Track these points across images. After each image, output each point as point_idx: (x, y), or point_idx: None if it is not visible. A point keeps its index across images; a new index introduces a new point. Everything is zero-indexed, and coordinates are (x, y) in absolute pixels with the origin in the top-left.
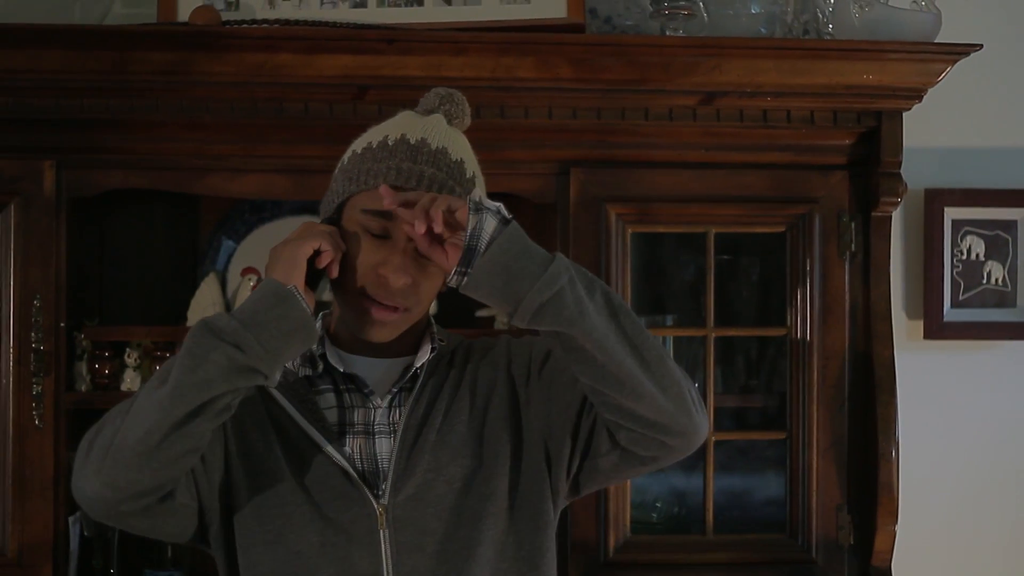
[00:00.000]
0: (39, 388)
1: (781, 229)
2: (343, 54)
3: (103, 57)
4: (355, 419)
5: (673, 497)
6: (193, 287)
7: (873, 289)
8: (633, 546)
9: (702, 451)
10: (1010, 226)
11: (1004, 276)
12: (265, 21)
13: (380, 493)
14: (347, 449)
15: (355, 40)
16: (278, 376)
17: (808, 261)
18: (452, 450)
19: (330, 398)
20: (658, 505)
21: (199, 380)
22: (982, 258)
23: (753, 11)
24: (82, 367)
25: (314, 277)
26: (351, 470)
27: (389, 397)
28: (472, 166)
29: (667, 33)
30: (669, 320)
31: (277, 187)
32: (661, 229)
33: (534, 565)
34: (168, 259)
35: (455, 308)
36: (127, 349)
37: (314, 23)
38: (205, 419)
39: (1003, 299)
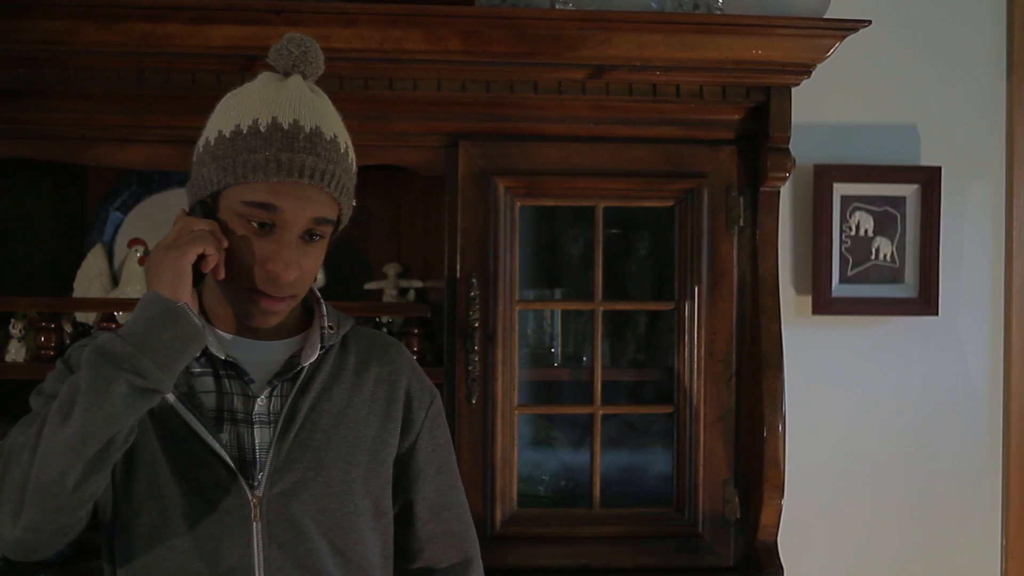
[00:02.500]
0: None
1: (670, 203)
2: (231, 24)
3: None
4: (235, 406)
5: (561, 471)
6: (80, 258)
7: (761, 264)
8: (520, 519)
9: (589, 425)
10: (899, 202)
11: (892, 252)
12: None
13: (255, 484)
14: (224, 436)
15: (243, 10)
16: (172, 385)
17: (696, 236)
18: (336, 454)
19: (208, 382)
20: (545, 479)
21: (107, 415)
22: (871, 234)
23: None
24: None
25: (199, 274)
26: (227, 458)
27: (269, 388)
28: (343, 136)
29: (556, 6)
30: (557, 294)
31: (164, 158)
32: (550, 203)
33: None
34: (54, 230)
35: (343, 280)
36: (12, 320)
37: None
38: (115, 448)
39: (891, 275)
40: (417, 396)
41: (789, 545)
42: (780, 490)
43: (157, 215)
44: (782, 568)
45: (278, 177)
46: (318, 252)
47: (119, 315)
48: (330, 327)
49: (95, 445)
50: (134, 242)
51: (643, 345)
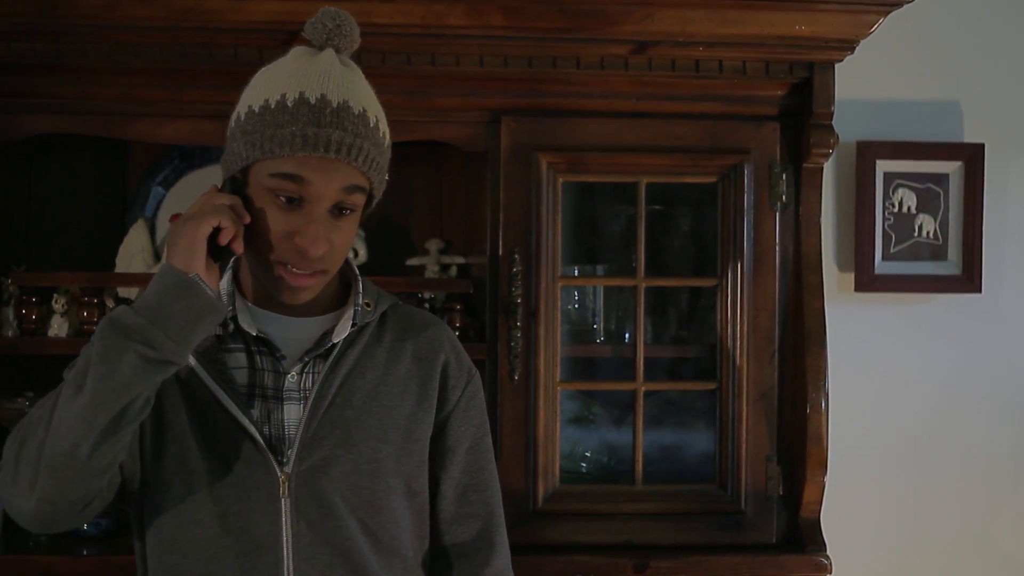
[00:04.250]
0: None
1: (713, 180)
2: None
3: (31, 0)
4: (265, 382)
5: (603, 448)
6: (122, 233)
7: (804, 240)
8: (562, 496)
9: (632, 402)
10: (942, 179)
11: (935, 229)
12: None
13: (284, 460)
14: (255, 412)
15: None
16: (189, 357)
17: (739, 212)
18: (367, 431)
19: (240, 358)
20: (588, 455)
21: (116, 385)
22: (914, 211)
23: None
24: (9, 312)
25: (219, 247)
26: (257, 435)
27: (301, 364)
28: (373, 109)
29: None
30: (600, 270)
31: (206, 133)
32: (592, 179)
33: (415, 553)
34: (96, 205)
35: (385, 256)
36: (55, 295)
37: None
38: (129, 419)
39: (934, 252)
40: (454, 374)
41: (831, 522)
42: (823, 467)
43: (199, 190)
44: (825, 545)
45: (304, 152)
46: (349, 227)
47: None
48: (366, 304)
49: (105, 416)
50: (176, 217)
51: (685, 322)
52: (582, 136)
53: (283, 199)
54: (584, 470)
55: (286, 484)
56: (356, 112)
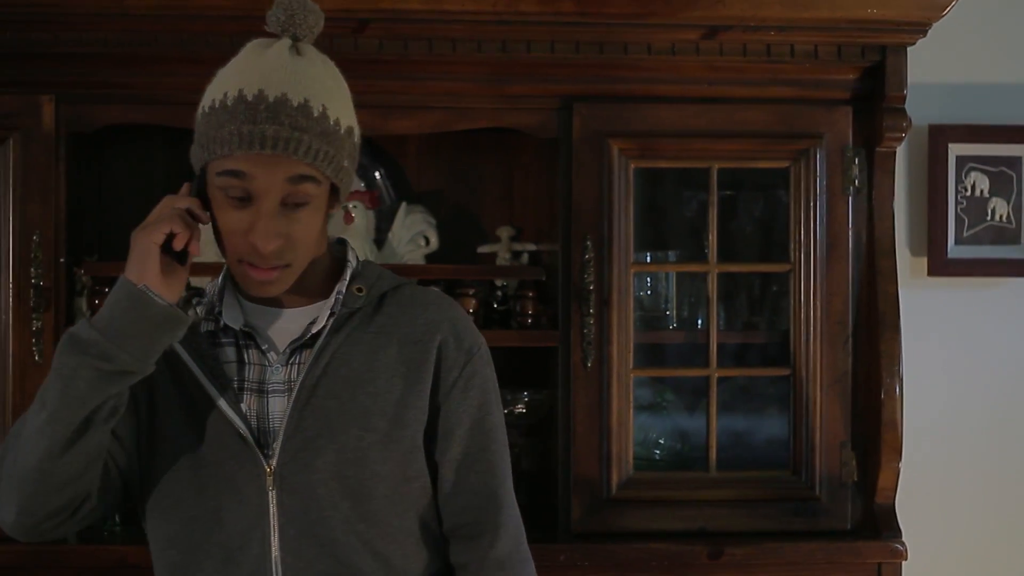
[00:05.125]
0: (39, 324)
1: (785, 164)
2: None
3: None
4: (251, 375)
5: (676, 435)
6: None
7: (877, 225)
8: (636, 483)
9: (705, 388)
10: (1014, 162)
11: (1008, 213)
12: None
13: (270, 454)
14: (243, 406)
15: None
16: (153, 364)
17: (812, 197)
18: (350, 419)
19: (231, 352)
20: (661, 442)
21: (72, 399)
22: (986, 194)
23: None
24: (82, 303)
25: (181, 251)
26: (244, 429)
27: (286, 356)
28: (320, 98)
29: None
30: (672, 256)
31: None
32: (664, 164)
33: (417, 540)
34: (167, 195)
35: (456, 244)
36: None
37: None
38: (94, 430)
39: (1007, 236)
40: (450, 355)
41: (906, 508)
42: (897, 452)
43: None
44: (900, 531)
45: (241, 150)
46: (308, 218)
47: None
48: (357, 289)
49: (66, 429)
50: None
51: (758, 307)
52: (653, 122)
53: (233, 197)
54: (657, 457)
55: (271, 478)
56: (295, 104)
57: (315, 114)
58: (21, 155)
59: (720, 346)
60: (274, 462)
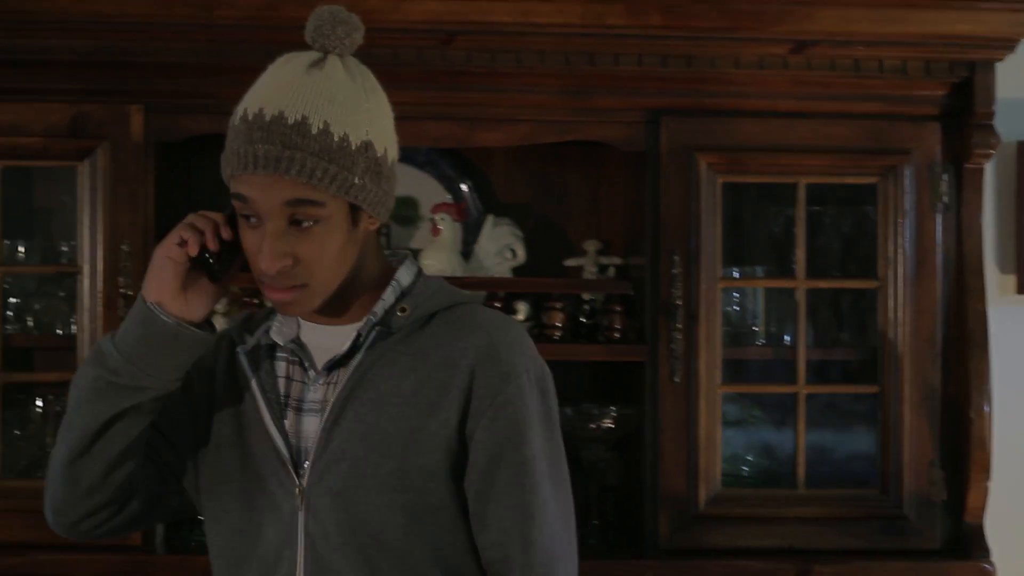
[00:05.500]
0: None
1: (873, 180)
2: (432, 0)
3: (189, 1)
4: (293, 392)
5: (763, 451)
6: None
7: (966, 242)
8: (724, 500)
9: (793, 405)
10: None
11: None
12: None
13: (302, 473)
14: (286, 423)
15: None
16: (173, 380)
17: (900, 213)
18: (371, 444)
19: (282, 367)
20: (749, 459)
21: (85, 409)
22: None
23: None
24: None
25: (212, 265)
26: (282, 446)
27: (324, 373)
28: (322, 114)
29: None
30: (760, 271)
31: None
32: (751, 179)
33: (442, 572)
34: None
35: (543, 257)
36: None
37: None
38: (111, 440)
39: None
40: (483, 382)
41: (995, 527)
42: (987, 471)
43: None
44: (988, 551)
45: (240, 171)
46: (322, 238)
47: None
48: (401, 309)
49: (78, 437)
50: None
51: (846, 324)
52: (741, 136)
53: (245, 217)
54: (745, 473)
55: (301, 498)
56: (291, 122)
57: (313, 131)
58: (110, 164)
59: (808, 362)
60: (304, 482)
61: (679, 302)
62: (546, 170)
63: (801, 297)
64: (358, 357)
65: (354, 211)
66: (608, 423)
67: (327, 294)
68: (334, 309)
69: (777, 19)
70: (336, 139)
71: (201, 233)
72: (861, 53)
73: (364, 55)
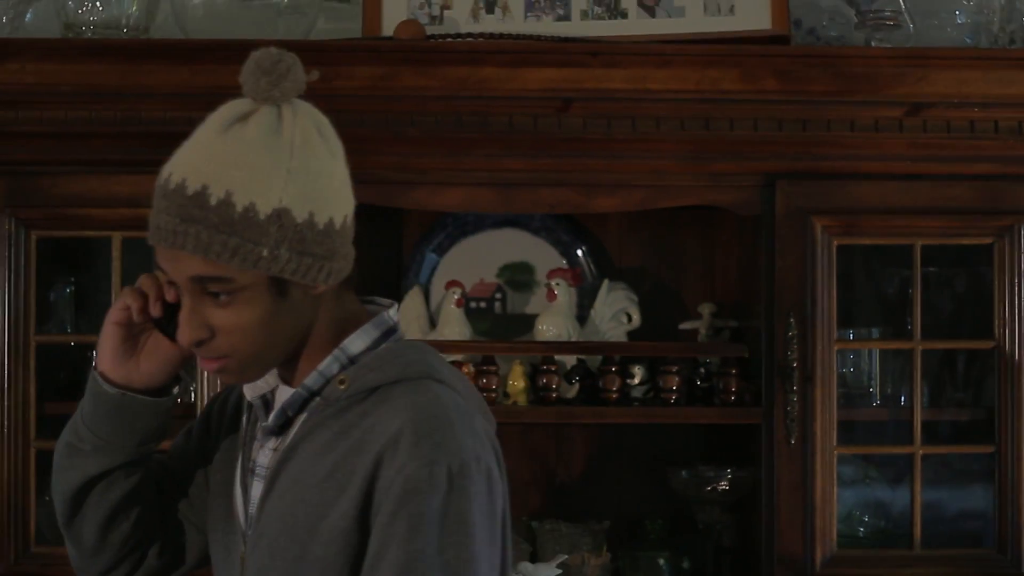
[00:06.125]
0: None
1: (988, 241)
2: (548, 67)
3: (308, 71)
4: (254, 452)
5: (879, 511)
6: (397, 299)
7: None
8: (840, 560)
9: (909, 464)
10: None
11: None
12: (469, 35)
13: (247, 539)
14: (248, 483)
15: (560, 53)
16: (136, 447)
17: (1016, 273)
18: (283, 525)
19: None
20: (865, 519)
21: (58, 472)
22: None
23: (959, 21)
24: None
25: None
26: (239, 509)
27: (272, 438)
28: (225, 182)
29: (872, 44)
30: (875, 333)
31: (482, 200)
32: (867, 241)
33: None
34: (372, 272)
35: (657, 320)
36: None
37: (518, 36)
38: (92, 504)
39: None
40: (385, 472)
41: None
42: None
43: (473, 257)
44: None
45: (150, 240)
46: (238, 309)
47: None
48: (340, 381)
49: (62, 503)
50: (452, 284)
51: (961, 384)
52: (856, 199)
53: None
54: (861, 534)
55: (241, 564)
56: (191, 192)
57: (212, 202)
58: None
59: (924, 423)
60: (244, 551)
61: (795, 364)
62: (661, 234)
63: (917, 358)
64: (294, 428)
65: (278, 281)
66: (724, 485)
67: (264, 364)
68: (289, 371)
69: (892, 82)
70: (239, 209)
71: (145, 296)
72: (976, 115)
73: (479, 123)
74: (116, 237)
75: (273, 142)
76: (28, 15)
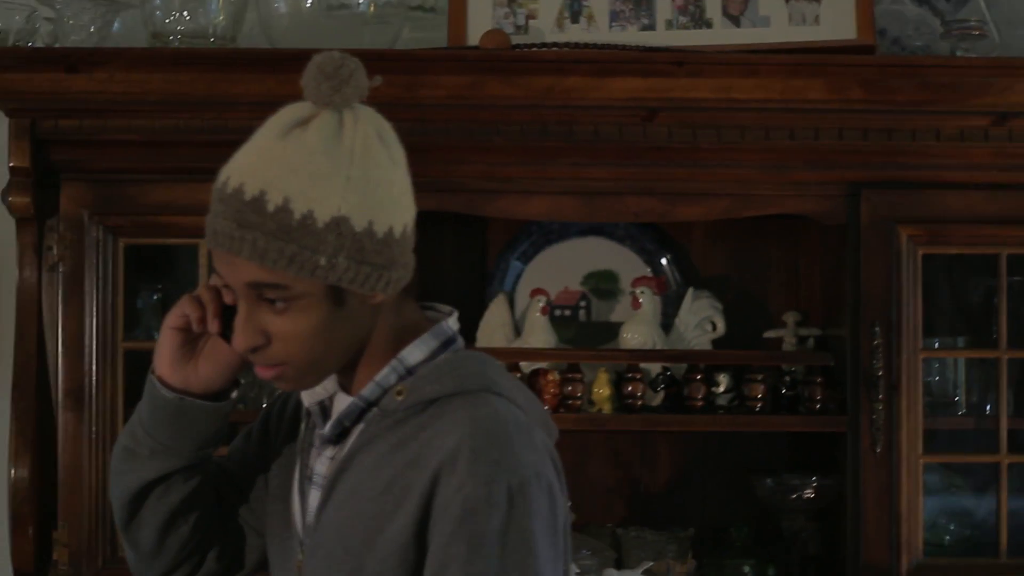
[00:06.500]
0: None
1: None
2: (633, 77)
3: (394, 81)
4: (311, 459)
5: (965, 519)
6: (482, 308)
7: None
8: (926, 569)
9: (995, 473)
10: None
11: None
12: (555, 44)
13: (304, 547)
14: (305, 490)
15: (645, 63)
16: (193, 452)
17: None
18: (339, 536)
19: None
20: (951, 528)
21: (116, 480)
22: None
23: None
24: None
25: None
26: (297, 516)
27: (329, 446)
28: (288, 187)
29: (958, 54)
30: (961, 342)
31: (567, 208)
32: (953, 251)
33: None
34: (457, 280)
35: (742, 329)
36: None
37: (603, 46)
38: (151, 508)
39: None
40: (442, 490)
41: None
42: None
43: (558, 265)
44: None
45: (207, 244)
46: (294, 317)
47: (522, 365)
48: (398, 392)
49: (120, 507)
50: (537, 292)
51: None
52: (942, 208)
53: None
54: (946, 543)
55: (298, 572)
56: (248, 197)
57: (270, 208)
58: None
59: (1011, 432)
60: (302, 559)
61: (880, 373)
62: (745, 243)
63: (1003, 367)
64: (352, 437)
65: (336, 289)
66: (809, 493)
67: (320, 372)
68: (347, 379)
69: (978, 91)
70: (297, 217)
71: (204, 307)
72: None
73: (565, 132)
74: (202, 245)
75: (333, 148)
76: (115, 24)
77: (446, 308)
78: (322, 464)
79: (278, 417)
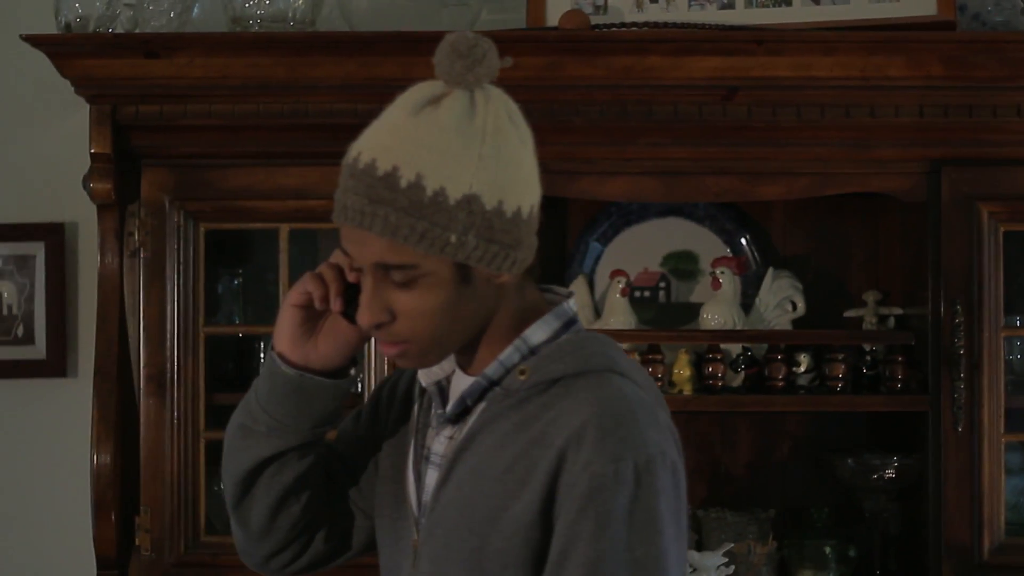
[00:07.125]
0: None
1: None
2: (712, 56)
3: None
4: (428, 439)
5: None
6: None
7: None
8: (1008, 548)
9: None
10: None
11: None
12: (634, 24)
13: (420, 527)
14: (422, 470)
15: (724, 42)
16: (310, 430)
17: None
18: (461, 515)
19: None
20: None
21: (231, 457)
22: None
23: None
24: None
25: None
26: (412, 495)
27: (448, 425)
28: (416, 165)
29: None
30: None
31: (647, 189)
32: None
33: None
34: (537, 261)
35: (822, 308)
36: None
37: (683, 25)
38: (264, 486)
39: None
40: (569, 467)
41: None
42: None
43: (637, 246)
44: None
45: (335, 219)
46: (420, 294)
47: None
48: (520, 372)
49: (233, 485)
50: (616, 273)
51: None
52: (1023, 185)
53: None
54: None
55: (414, 553)
56: (381, 172)
57: (403, 184)
58: None
59: None
60: (416, 537)
61: (961, 351)
62: (825, 222)
63: None
64: (473, 417)
65: (463, 267)
66: (890, 473)
67: (444, 350)
68: (467, 359)
69: None
70: (429, 193)
71: (326, 282)
72: None
73: (644, 112)
74: (283, 229)
75: (466, 127)
76: (195, 10)
77: (564, 290)
78: (440, 444)
79: (388, 399)
